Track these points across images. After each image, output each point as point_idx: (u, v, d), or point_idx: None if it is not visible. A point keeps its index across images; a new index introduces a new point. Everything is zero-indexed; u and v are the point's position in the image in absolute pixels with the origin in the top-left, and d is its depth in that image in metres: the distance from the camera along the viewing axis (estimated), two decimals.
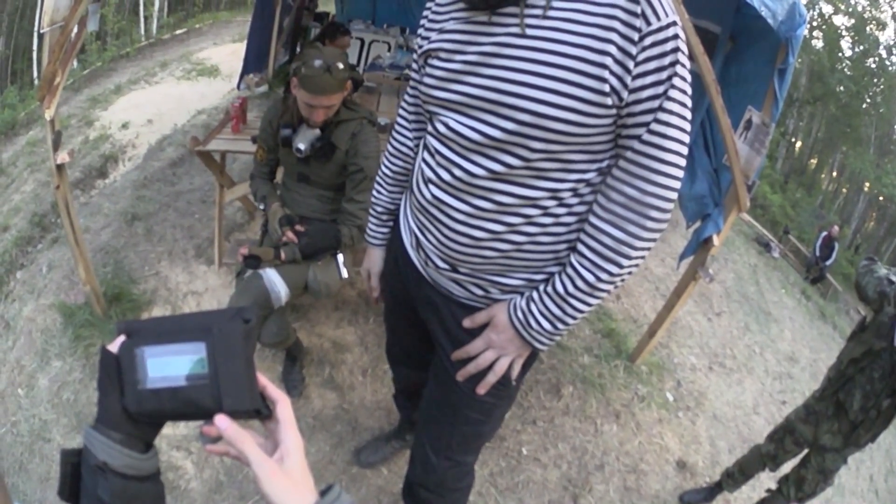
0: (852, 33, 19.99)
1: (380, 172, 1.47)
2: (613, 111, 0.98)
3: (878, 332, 2.17)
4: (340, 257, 2.32)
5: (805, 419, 2.54)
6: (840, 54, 20.36)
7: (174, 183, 4.30)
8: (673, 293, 2.96)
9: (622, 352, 3.42)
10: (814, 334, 7.06)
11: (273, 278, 2.15)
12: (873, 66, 19.84)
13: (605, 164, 1.05)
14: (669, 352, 3.86)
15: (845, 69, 20.07)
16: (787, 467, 2.61)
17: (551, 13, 0.97)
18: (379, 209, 1.46)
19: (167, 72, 8.22)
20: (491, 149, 1.04)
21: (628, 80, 0.95)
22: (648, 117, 0.97)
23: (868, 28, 19.51)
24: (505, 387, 1.24)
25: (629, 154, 1.00)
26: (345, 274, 2.32)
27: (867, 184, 19.64)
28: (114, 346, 0.60)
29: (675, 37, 0.95)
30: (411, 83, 1.34)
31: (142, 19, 12.32)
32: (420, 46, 1.20)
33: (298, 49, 6.26)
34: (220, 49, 9.67)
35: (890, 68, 19.70)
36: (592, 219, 1.05)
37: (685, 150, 1.00)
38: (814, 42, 20.47)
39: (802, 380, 5.12)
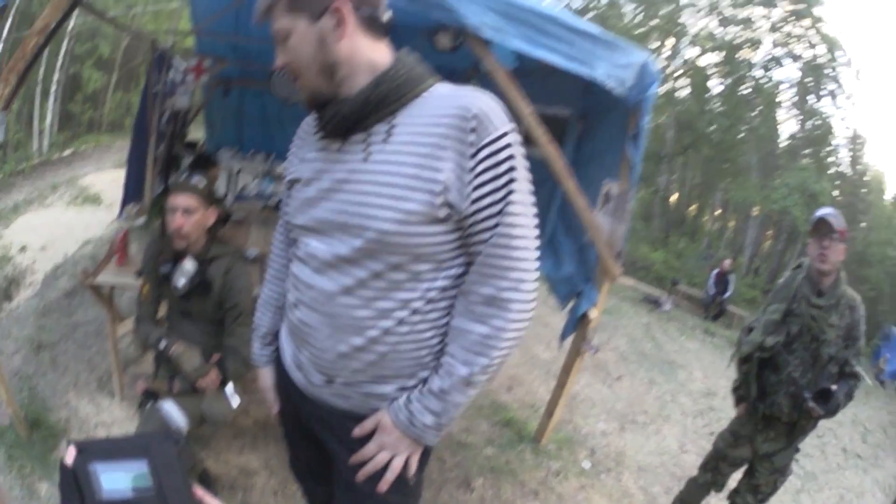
0: (721, 66, 20.29)
1: (261, 297, 1.51)
2: (452, 222, 1.05)
3: (765, 328, 2.44)
4: (229, 387, 2.31)
5: (735, 444, 2.62)
6: (709, 94, 20.82)
7: (71, 314, 4.32)
8: (562, 371, 3.01)
9: (525, 437, 3.43)
10: (727, 364, 7.40)
11: (171, 410, 2.19)
12: (747, 90, 20.14)
13: (452, 271, 1.11)
14: (575, 425, 3.91)
15: (716, 107, 20.43)
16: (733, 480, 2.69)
17: (392, 138, 1.05)
18: (262, 332, 1.50)
19: (57, 195, 8.39)
20: (343, 265, 1.10)
21: (467, 192, 1.01)
22: (493, 222, 1.03)
23: (738, 55, 19.79)
24: (406, 484, 1.24)
25: (481, 258, 1.06)
26: (236, 403, 2.31)
27: (755, 209, 20.19)
28: (68, 458, 0.67)
29: (509, 145, 1.02)
30: (281, 211, 1.38)
31: (36, 133, 12.06)
32: (286, 176, 1.28)
33: (171, 180, 6.34)
34: (102, 175, 9.96)
35: (766, 85, 19.88)
36: (457, 319, 1.11)
37: (533, 245, 1.08)
38: (678, 94, 20.96)
39: (726, 407, 5.32)
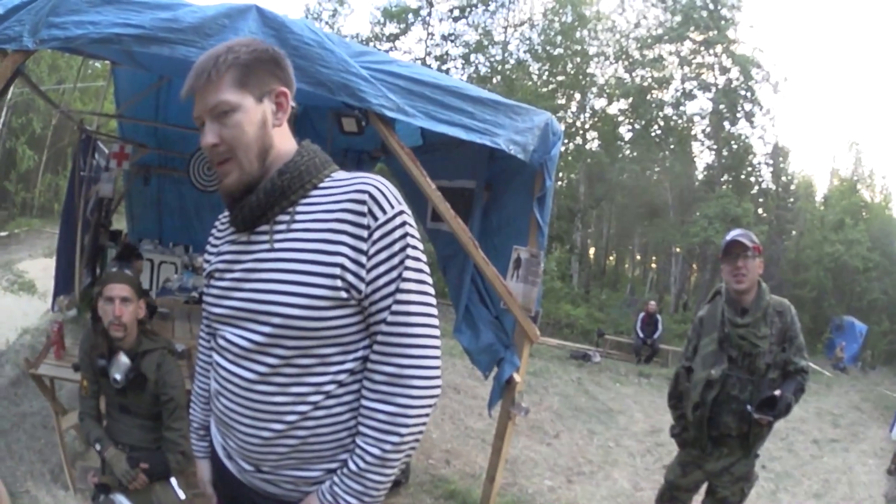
0: (630, 112, 20.66)
1: (193, 391, 1.51)
2: (354, 304, 1.07)
3: (704, 363, 2.54)
4: (174, 481, 2.38)
5: (683, 474, 2.67)
6: (619, 142, 21.27)
7: (18, 403, 4.25)
8: (495, 437, 3.02)
9: None
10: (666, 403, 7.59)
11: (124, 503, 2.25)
12: (657, 132, 20.39)
13: (359, 353, 1.12)
14: (520, 487, 3.91)
15: (627, 154, 20.92)
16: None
17: (294, 226, 1.09)
18: (195, 425, 1.51)
19: None
20: (255, 353, 1.11)
21: (363, 273, 1.05)
22: (388, 301, 1.06)
23: (648, 96, 19.98)
24: None
25: (380, 337, 1.08)
26: (182, 496, 2.37)
27: (676, 247, 20.54)
28: None
29: (403, 224, 1.07)
30: (203, 304, 1.39)
31: None
32: (205, 269, 1.31)
33: (98, 271, 6.28)
34: (34, 263, 9.86)
35: (678, 121, 20.33)
36: (364, 400, 1.11)
37: (432, 321, 1.11)
38: (589, 145, 21.34)
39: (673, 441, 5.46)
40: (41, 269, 9.08)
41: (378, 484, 1.12)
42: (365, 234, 1.05)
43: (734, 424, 2.49)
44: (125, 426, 2.45)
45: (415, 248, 1.10)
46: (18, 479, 3.22)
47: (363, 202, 1.05)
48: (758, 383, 2.46)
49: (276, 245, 1.10)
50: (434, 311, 1.13)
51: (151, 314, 2.47)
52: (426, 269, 1.12)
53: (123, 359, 2.30)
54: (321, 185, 1.13)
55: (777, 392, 2.40)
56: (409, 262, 1.08)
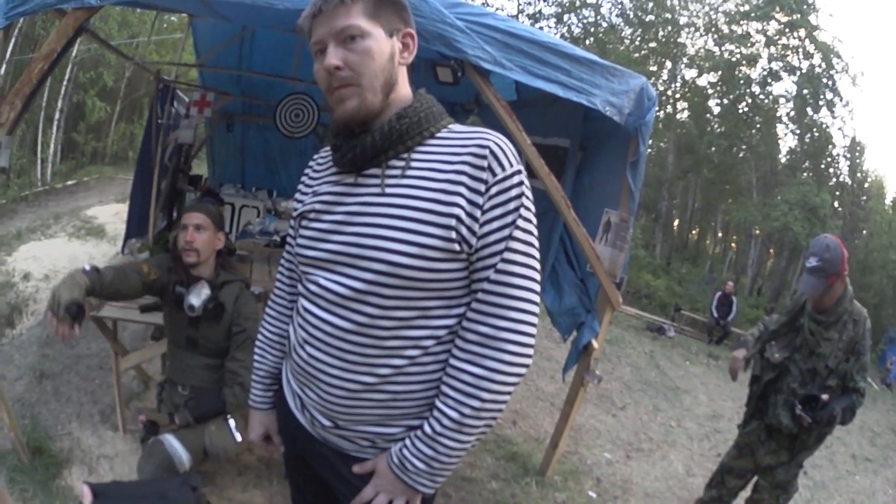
0: (719, 86, 20.20)
1: (260, 337, 1.47)
2: (464, 258, 1.04)
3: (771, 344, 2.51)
4: (232, 422, 2.32)
5: (738, 455, 2.64)
6: (708, 115, 20.77)
7: (73, 346, 4.30)
8: (565, 403, 3.00)
9: (530, 469, 3.39)
10: (732, 385, 7.32)
11: (174, 444, 2.19)
12: (745, 109, 19.97)
13: (463, 310, 1.09)
14: (580, 456, 3.88)
15: (715, 128, 20.35)
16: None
17: (409, 172, 1.07)
18: (262, 373, 1.45)
19: (60, 226, 8.33)
20: (353, 301, 1.07)
21: (476, 227, 1.02)
22: (495, 259, 1.03)
23: (737, 71, 19.55)
24: None
25: (480, 294, 1.05)
26: (239, 438, 2.31)
27: (756, 229, 19.97)
28: (84, 500, 0.69)
29: (521, 183, 1.04)
30: (286, 248, 1.37)
31: (39, 161, 12.17)
32: (296, 210, 1.26)
33: (175, 214, 6.39)
34: (105, 208, 9.94)
35: (765, 100, 19.77)
36: (452, 359, 1.08)
37: (535, 286, 1.06)
38: (679, 116, 21.06)
39: (732, 428, 5.30)
40: (112, 213, 9.22)
41: (450, 450, 1.07)
42: (482, 188, 1.02)
43: (785, 420, 2.43)
44: (189, 365, 2.41)
45: (528, 209, 1.06)
46: (61, 420, 3.27)
47: (484, 157, 1.02)
48: (816, 385, 2.39)
49: (388, 190, 1.07)
50: (537, 275, 1.08)
51: (231, 254, 2.46)
52: (535, 232, 1.08)
53: (203, 288, 2.29)
54: (438, 134, 1.11)
55: (825, 396, 2.32)
56: (520, 223, 1.04)
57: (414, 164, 1.08)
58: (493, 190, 1.02)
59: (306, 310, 1.17)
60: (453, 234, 1.01)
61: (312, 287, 1.15)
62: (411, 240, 1.02)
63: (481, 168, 1.02)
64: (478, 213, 1.02)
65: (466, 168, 1.03)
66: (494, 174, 1.02)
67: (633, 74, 2.62)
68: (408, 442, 1.11)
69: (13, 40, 9.83)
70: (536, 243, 1.08)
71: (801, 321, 2.47)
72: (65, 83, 12.62)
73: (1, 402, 2.65)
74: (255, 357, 1.48)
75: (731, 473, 2.69)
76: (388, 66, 1.08)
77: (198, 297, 2.25)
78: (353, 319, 1.08)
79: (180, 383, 2.42)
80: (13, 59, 9.86)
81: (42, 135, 12.33)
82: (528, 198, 1.06)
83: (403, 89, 1.14)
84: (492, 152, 1.03)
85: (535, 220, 1.08)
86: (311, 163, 1.31)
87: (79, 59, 12.66)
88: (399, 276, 1.03)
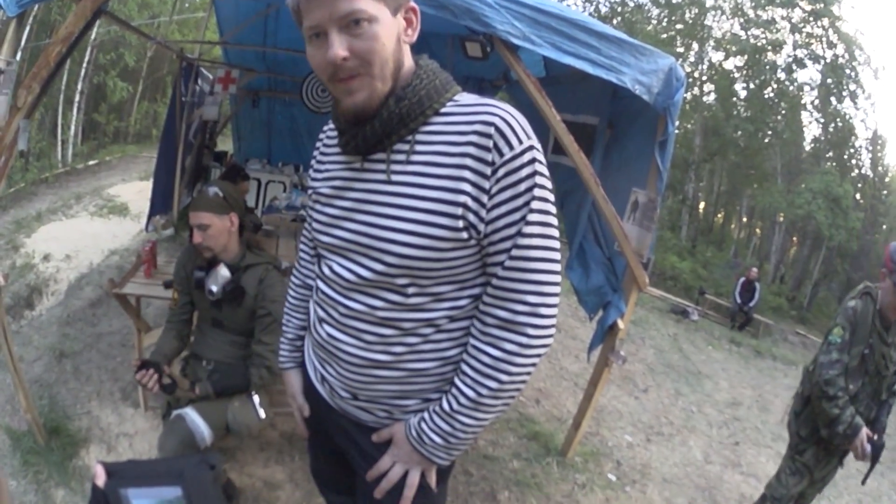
0: (745, 70, 20.03)
1: (287, 302, 1.49)
2: (473, 243, 1.02)
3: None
4: (256, 398, 2.32)
5: (799, 482, 2.58)
6: (735, 99, 20.49)
7: (95, 324, 4.32)
8: (589, 383, 2.97)
9: (551, 450, 3.39)
10: (752, 373, 7.40)
11: (196, 419, 2.19)
12: (771, 94, 19.80)
13: (476, 290, 1.09)
14: (601, 438, 3.87)
15: (741, 112, 20.10)
16: None
17: (414, 157, 1.02)
18: (290, 335, 1.48)
19: (81, 206, 8.34)
20: (366, 286, 1.08)
21: (484, 213, 0.98)
22: (508, 244, 1.00)
23: (763, 57, 19.40)
24: (427, 498, 1.22)
25: (495, 280, 1.03)
26: (262, 414, 2.31)
27: (780, 215, 19.88)
28: (98, 480, 0.68)
29: (532, 161, 0.98)
30: (307, 218, 1.36)
31: (59, 143, 12.25)
32: (310, 187, 1.26)
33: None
34: (128, 186, 9.91)
35: (790, 87, 19.56)
36: (472, 339, 1.08)
37: (555, 266, 1.03)
38: (705, 98, 20.81)
39: (751, 417, 5.32)
40: (136, 191, 9.14)
41: (466, 427, 1.09)
42: (488, 171, 0.96)
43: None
44: (215, 341, 2.43)
45: (542, 187, 1.00)
46: (80, 399, 3.27)
47: (489, 135, 0.96)
48: (882, 405, 2.36)
49: (394, 177, 1.03)
50: (557, 255, 1.04)
51: (256, 230, 2.42)
52: (553, 210, 1.03)
53: (223, 271, 2.28)
54: (443, 109, 1.03)
55: (884, 441, 2.32)
56: (534, 204, 0.99)
57: (418, 147, 1.02)
58: (501, 172, 0.96)
59: (323, 291, 1.19)
60: (461, 223, 0.98)
61: (327, 271, 1.17)
62: (420, 231, 1.00)
63: (486, 149, 0.96)
64: (485, 198, 0.98)
65: (471, 149, 0.97)
66: (501, 154, 0.96)
67: (662, 54, 2.57)
68: (426, 416, 1.12)
69: (28, 27, 9.82)
70: (555, 221, 1.03)
71: (868, 346, 2.33)
72: (84, 65, 12.61)
73: (18, 383, 2.68)
74: (284, 320, 1.51)
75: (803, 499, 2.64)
76: (397, 49, 1.01)
77: (216, 282, 2.25)
78: (366, 303, 1.09)
79: (205, 358, 2.42)
80: (29, 45, 9.81)
81: (62, 117, 12.34)
82: (542, 174, 1.00)
83: (409, 65, 1.06)
84: (497, 129, 0.97)
85: (551, 198, 1.03)
86: (322, 135, 1.28)
87: (98, 41, 12.62)
88: (409, 267, 1.03)
